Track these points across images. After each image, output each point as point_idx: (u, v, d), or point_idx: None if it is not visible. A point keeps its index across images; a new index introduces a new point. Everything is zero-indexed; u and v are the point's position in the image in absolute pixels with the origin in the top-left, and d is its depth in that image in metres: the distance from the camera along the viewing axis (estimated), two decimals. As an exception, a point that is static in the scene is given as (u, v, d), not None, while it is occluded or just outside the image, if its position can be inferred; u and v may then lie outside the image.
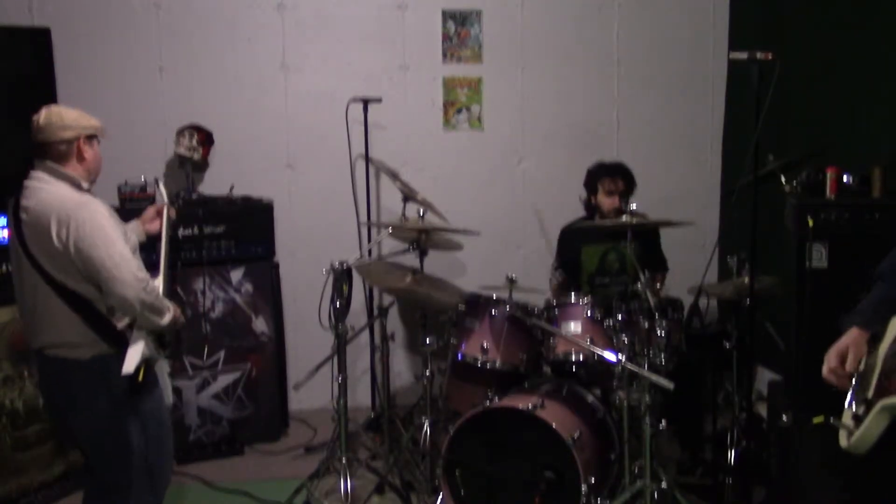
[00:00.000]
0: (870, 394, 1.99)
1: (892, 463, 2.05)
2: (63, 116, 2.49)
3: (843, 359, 2.06)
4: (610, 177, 3.80)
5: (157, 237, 2.87)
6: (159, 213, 2.90)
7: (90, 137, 2.54)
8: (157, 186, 3.04)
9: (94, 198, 2.52)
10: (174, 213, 2.95)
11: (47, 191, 2.45)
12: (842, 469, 2.25)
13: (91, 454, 2.65)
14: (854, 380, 2.06)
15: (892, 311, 2.09)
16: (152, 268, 2.66)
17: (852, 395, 2.09)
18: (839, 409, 2.10)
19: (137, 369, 2.45)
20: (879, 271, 2.21)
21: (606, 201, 3.79)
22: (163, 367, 2.71)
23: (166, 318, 2.55)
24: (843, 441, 2.02)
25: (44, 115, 2.49)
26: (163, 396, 2.71)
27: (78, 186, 2.49)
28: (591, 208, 3.90)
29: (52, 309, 2.46)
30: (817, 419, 2.15)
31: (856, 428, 1.97)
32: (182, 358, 3.94)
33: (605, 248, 3.85)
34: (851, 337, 2.10)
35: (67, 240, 2.38)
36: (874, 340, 2.09)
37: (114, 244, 2.42)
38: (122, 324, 2.52)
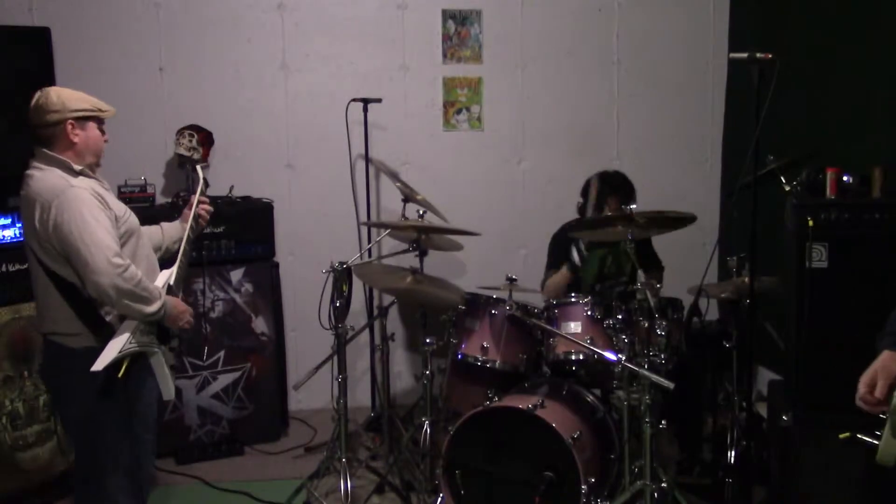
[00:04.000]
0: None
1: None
2: (51, 99, 2.45)
3: (872, 387, 1.96)
4: (616, 196, 3.66)
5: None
6: (190, 207, 2.85)
7: (81, 119, 2.48)
8: (196, 171, 2.96)
9: (86, 178, 2.48)
10: (207, 206, 2.86)
11: (38, 178, 2.44)
12: (841, 469, 2.25)
13: (74, 443, 2.67)
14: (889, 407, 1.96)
15: None
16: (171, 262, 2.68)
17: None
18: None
19: (118, 365, 2.40)
20: None
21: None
22: (161, 360, 2.57)
23: (153, 307, 2.45)
24: (879, 455, 1.96)
25: (36, 97, 2.47)
26: (150, 394, 2.62)
27: (69, 170, 2.45)
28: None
29: (49, 296, 2.47)
30: (843, 435, 2.12)
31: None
32: (182, 358, 3.94)
33: (601, 252, 3.82)
34: (881, 362, 1.99)
35: (48, 225, 2.38)
36: None
37: (89, 229, 2.36)
38: (110, 316, 2.48)
